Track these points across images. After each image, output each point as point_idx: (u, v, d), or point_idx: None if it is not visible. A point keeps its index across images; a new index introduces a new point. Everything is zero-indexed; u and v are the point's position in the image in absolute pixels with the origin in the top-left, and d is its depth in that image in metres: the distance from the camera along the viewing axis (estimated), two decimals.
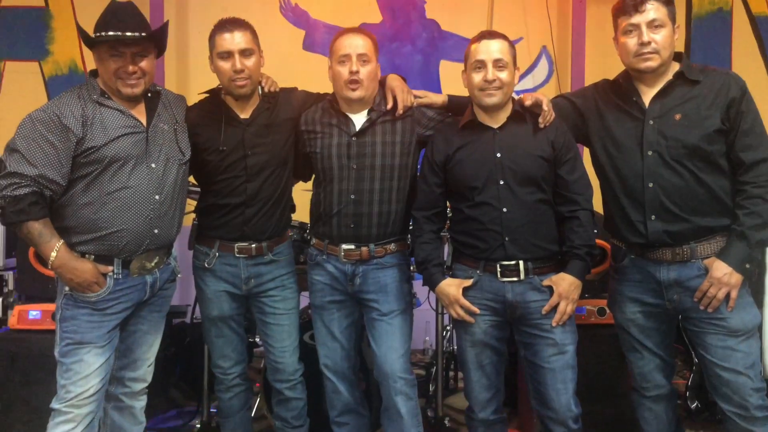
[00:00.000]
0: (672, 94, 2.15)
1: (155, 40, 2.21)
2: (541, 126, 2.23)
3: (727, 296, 2.08)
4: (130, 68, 2.14)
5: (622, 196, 2.20)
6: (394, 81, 2.42)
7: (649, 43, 2.10)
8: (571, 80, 4.25)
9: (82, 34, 2.20)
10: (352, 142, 2.36)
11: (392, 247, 2.41)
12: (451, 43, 4.36)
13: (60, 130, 2.07)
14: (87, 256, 2.14)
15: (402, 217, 2.42)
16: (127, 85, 2.16)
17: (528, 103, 2.26)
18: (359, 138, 2.36)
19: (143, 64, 2.17)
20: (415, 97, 2.42)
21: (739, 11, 4.40)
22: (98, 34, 2.12)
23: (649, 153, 2.14)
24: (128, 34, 2.10)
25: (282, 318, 2.49)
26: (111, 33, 2.10)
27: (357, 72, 2.29)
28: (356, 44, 2.32)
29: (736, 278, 2.07)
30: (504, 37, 2.25)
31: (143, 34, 2.13)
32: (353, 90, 2.32)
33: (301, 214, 2.71)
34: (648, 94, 2.18)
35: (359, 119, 2.38)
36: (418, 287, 2.56)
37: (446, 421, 3.10)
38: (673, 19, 2.14)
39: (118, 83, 2.15)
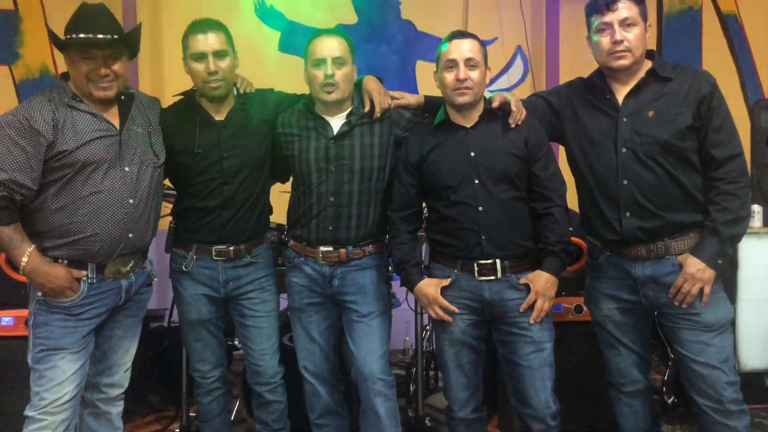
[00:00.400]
0: (645, 92, 2.17)
1: (127, 43, 2.18)
2: (512, 126, 2.24)
3: (701, 292, 2.10)
4: (102, 71, 2.10)
5: (597, 193, 2.22)
6: (370, 83, 2.41)
7: (621, 41, 2.12)
8: (546, 79, 4.30)
9: (52, 36, 2.16)
10: (330, 145, 2.35)
11: (370, 248, 2.41)
12: (426, 44, 4.37)
13: (30, 133, 2.03)
14: (60, 260, 2.11)
15: (380, 218, 2.41)
16: (100, 89, 2.12)
17: (495, 104, 2.26)
18: (337, 141, 2.35)
19: (116, 66, 2.13)
20: (392, 98, 2.42)
21: (709, 10, 4.48)
22: (69, 36, 2.08)
23: (623, 150, 2.16)
24: (100, 36, 2.07)
25: (261, 320, 2.48)
26: (82, 35, 2.07)
27: (332, 75, 2.28)
28: (331, 47, 2.30)
29: (709, 274, 2.09)
30: (475, 36, 2.26)
31: (115, 36, 2.10)
32: (329, 93, 2.30)
33: (279, 215, 2.69)
34: (621, 92, 2.20)
35: (336, 122, 2.37)
36: (397, 287, 2.56)
37: (427, 421, 3.10)
38: (644, 18, 2.16)
39: (90, 86, 2.12)
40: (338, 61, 2.29)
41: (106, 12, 2.15)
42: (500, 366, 2.56)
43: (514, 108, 2.25)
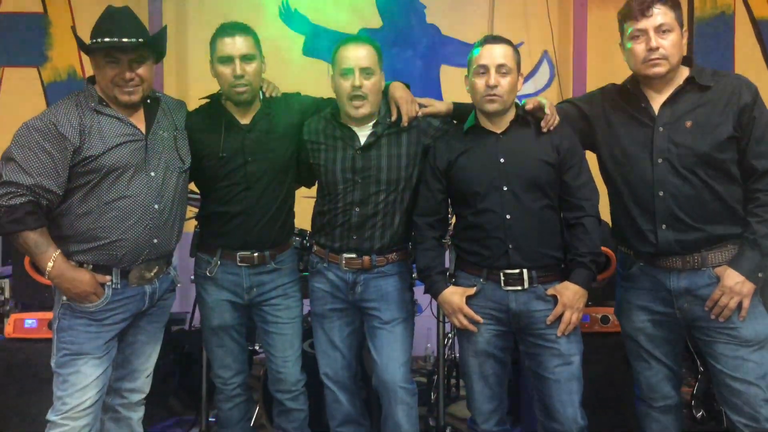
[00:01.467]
0: (682, 100, 2.11)
1: (153, 46, 2.17)
2: (544, 130, 2.19)
3: (739, 305, 2.04)
4: (127, 75, 2.10)
5: (631, 204, 2.17)
6: (398, 91, 2.36)
7: (657, 48, 2.05)
8: (573, 85, 4.24)
9: (78, 41, 2.16)
10: (357, 155, 2.32)
11: (394, 255, 2.38)
12: (451, 48, 4.33)
13: (56, 138, 2.03)
14: (85, 265, 2.11)
15: (405, 227, 2.38)
16: (125, 93, 2.12)
17: (529, 107, 2.22)
18: (364, 152, 2.32)
19: (141, 70, 2.13)
20: (420, 105, 2.37)
21: (742, 15, 4.39)
22: (94, 40, 2.08)
23: (659, 161, 2.10)
24: (125, 40, 2.07)
25: (284, 327, 2.46)
26: (107, 39, 2.06)
27: (360, 87, 2.24)
28: (359, 56, 2.25)
29: (749, 287, 2.03)
30: (508, 42, 2.22)
31: (140, 39, 2.09)
32: (357, 108, 2.26)
33: (301, 220, 2.67)
34: (657, 100, 2.14)
35: (364, 132, 2.34)
36: (419, 294, 2.52)
37: (448, 430, 3.06)
38: (680, 23, 2.10)
39: (115, 90, 2.11)
40: (366, 72, 2.25)
41: (131, 15, 2.15)
42: (523, 377, 2.51)
43: (548, 111, 2.20)
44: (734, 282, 2.03)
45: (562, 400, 2.16)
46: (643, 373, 2.27)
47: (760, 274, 2.05)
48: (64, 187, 2.07)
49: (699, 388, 3.07)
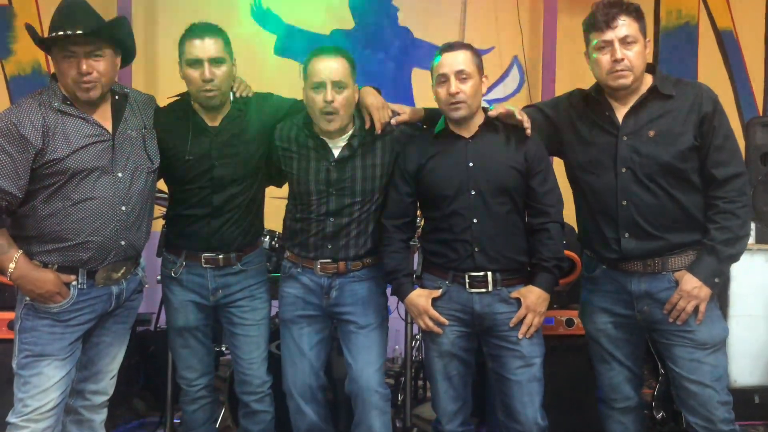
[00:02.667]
0: (645, 110, 2.14)
1: (108, 36, 2.08)
2: (528, 134, 2.21)
3: (696, 309, 2.09)
4: (84, 67, 2.01)
5: (596, 211, 2.20)
6: (368, 97, 2.34)
7: (622, 60, 2.08)
8: (542, 90, 4.29)
9: (32, 35, 2.07)
10: (331, 168, 2.30)
11: (369, 260, 2.38)
12: (423, 51, 4.35)
13: (17, 140, 1.98)
14: (50, 266, 2.06)
15: (379, 234, 2.37)
16: (82, 89, 2.03)
17: (494, 113, 2.23)
18: (339, 164, 2.30)
19: (98, 64, 2.04)
20: (393, 112, 2.35)
21: (705, 25, 4.50)
22: (49, 35, 2.01)
23: (623, 170, 2.13)
24: (78, 32, 1.98)
25: (251, 329, 2.43)
26: (60, 33, 1.98)
27: (332, 102, 2.20)
28: (331, 69, 2.20)
29: (706, 292, 2.08)
30: (467, 46, 2.23)
31: (87, 30, 1.99)
32: (329, 122, 2.23)
33: (270, 221, 2.66)
34: (621, 110, 2.17)
35: (337, 144, 2.31)
36: (387, 296, 2.53)
37: (414, 431, 3.07)
38: (644, 34, 2.13)
39: (74, 87, 2.04)
40: (339, 85, 2.20)
41: (86, 7, 2.07)
42: (489, 379, 2.54)
43: (518, 116, 2.21)
44: (692, 286, 2.07)
45: (523, 401, 2.19)
46: (604, 375, 2.31)
47: (716, 280, 2.10)
48: (25, 189, 2.01)
49: (659, 389, 3.13)
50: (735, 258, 2.13)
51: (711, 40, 4.49)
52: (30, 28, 2.10)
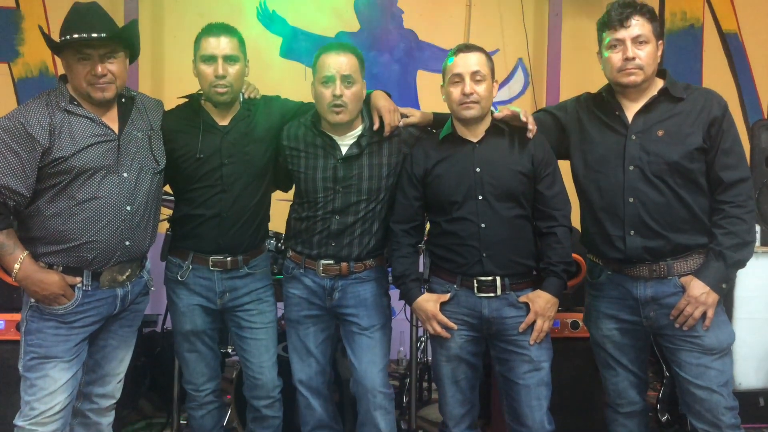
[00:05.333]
0: (655, 110, 2.15)
1: (123, 40, 2.11)
2: (530, 136, 2.21)
3: (704, 315, 2.09)
4: (99, 70, 2.04)
5: (601, 210, 2.21)
6: (380, 100, 2.35)
7: (633, 58, 2.10)
8: (547, 92, 4.28)
9: (46, 38, 2.09)
10: (338, 165, 2.31)
11: (371, 261, 2.39)
12: (428, 54, 4.35)
13: (25, 139, 1.99)
14: (55, 267, 2.07)
15: (383, 234, 2.39)
16: (97, 90, 2.06)
17: (500, 115, 2.24)
18: (346, 162, 2.31)
19: (112, 66, 2.07)
20: (402, 115, 2.37)
21: (710, 28, 4.48)
22: (63, 38, 2.03)
23: (631, 168, 2.14)
24: (93, 35, 2.01)
25: (259, 332, 2.44)
26: (75, 36, 2.01)
27: (341, 96, 2.22)
28: (341, 64, 2.23)
29: (713, 298, 2.08)
30: (481, 49, 2.24)
31: (105, 34, 2.03)
32: (336, 114, 2.25)
33: (275, 223, 2.67)
34: (631, 109, 2.18)
35: (345, 142, 2.33)
36: (393, 298, 2.53)
37: None
38: (657, 36, 2.14)
39: (88, 88, 2.06)
40: (348, 80, 2.23)
41: (99, 10, 2.09)
42: (495, 382, 2.54)
43: (524, 118, 2.22)
44: (699, 292, 2.07)
45: (530, 405, 2.20)
46: (610, 380, 2.31)
47: (724, 285, 2.10)
48: (32, 189, 2.03)
49: (664, 392, 3.14)
50: (742, 264, 2.13)
51: (716, 43, 4.48)
52: (43, 32, 2.13)
